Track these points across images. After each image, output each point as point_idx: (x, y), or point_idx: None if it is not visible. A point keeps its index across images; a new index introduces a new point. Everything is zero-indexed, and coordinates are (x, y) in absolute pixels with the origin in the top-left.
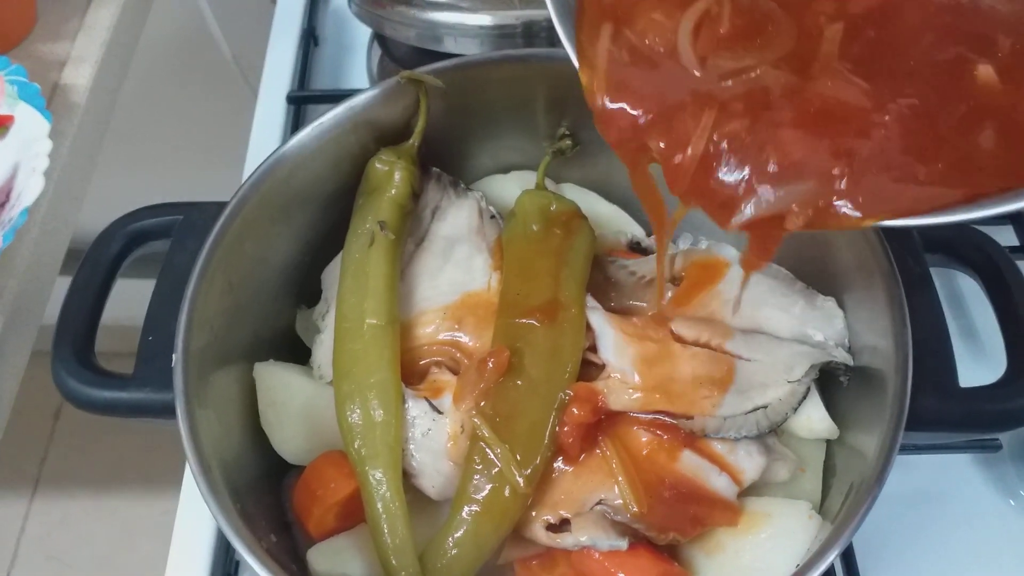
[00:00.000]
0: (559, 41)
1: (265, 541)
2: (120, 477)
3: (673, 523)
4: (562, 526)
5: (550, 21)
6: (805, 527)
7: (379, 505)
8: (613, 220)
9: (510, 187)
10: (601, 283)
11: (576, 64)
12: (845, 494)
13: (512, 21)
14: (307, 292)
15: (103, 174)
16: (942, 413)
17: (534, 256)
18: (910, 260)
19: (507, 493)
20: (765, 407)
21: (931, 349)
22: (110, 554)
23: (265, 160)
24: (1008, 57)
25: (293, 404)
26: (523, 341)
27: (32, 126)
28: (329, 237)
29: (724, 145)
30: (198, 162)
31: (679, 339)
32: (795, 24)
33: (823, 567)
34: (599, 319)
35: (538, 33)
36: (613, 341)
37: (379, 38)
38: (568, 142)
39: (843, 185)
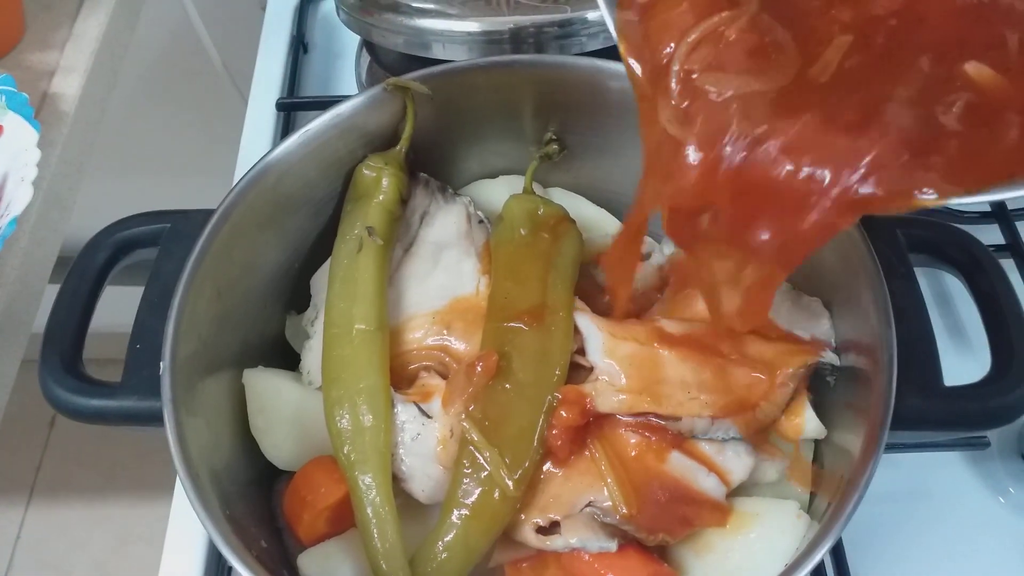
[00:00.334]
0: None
1: (255, 547)
2: (114, 484)
3: (662, 524)
4: (552, 528)
5: (538, 27)
6: (794, 526)
7: (369, 510)
8: (600, 223)
9: (498, 191)
10: (589, 286)
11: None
12: (832, 493)
13: (500, 27)
14: (296, 298)
15: (92, 183)
16: (927, 412)
17: (522, 260)
18: (895, 260)
19: (496, 496)
20: (754, 408)
21: (916, 349)
22: (105, 561)
23: (252, 167)
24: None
25: (283, 410)
26: (511, 345)
27: (20, 136)
28: (318, 243)
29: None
30: (188, 170)
31: (666, 340)
32: (799, 57)
33: (811, 565)
34: (586, 322)
35: (525, 39)
36: (601, 344)
37: (368, 45)
38: (555, 147)
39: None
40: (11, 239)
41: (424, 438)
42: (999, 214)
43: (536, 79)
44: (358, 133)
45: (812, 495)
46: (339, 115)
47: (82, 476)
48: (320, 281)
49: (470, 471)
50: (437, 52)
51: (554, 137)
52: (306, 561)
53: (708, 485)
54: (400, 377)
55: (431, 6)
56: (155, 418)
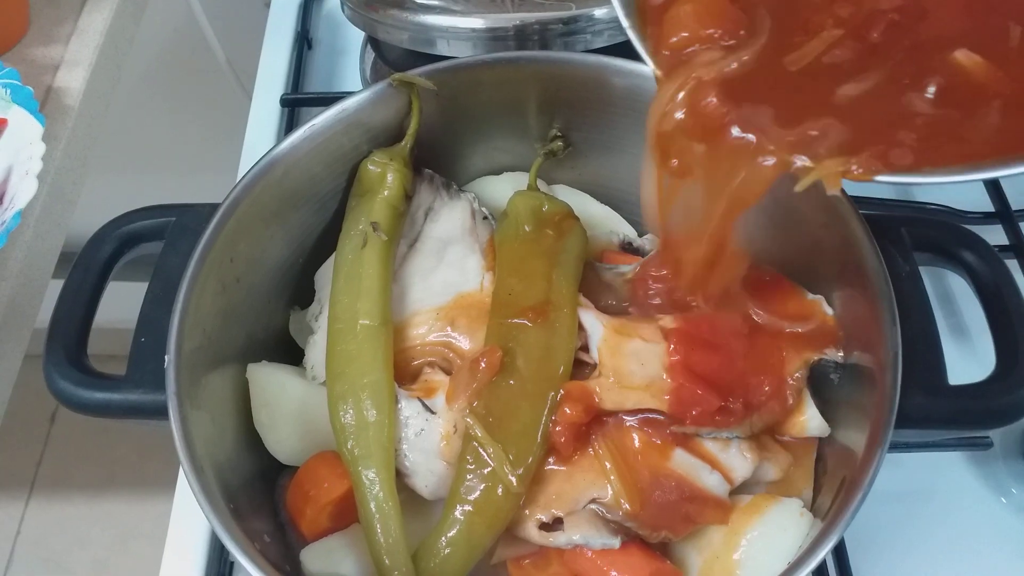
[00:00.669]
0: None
1: (258, 542)
2: (115, 480)
3: (665, 521)
4: (555, 525)
5: (542, 24)
6: (797, 525)
7: (372, 505)
8: (605, 221)
9: (502, 188)
10: (593, 283)
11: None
12: (836, 491)
13: (504, 24)
14: (300, 293)
15: (96, 177)
16: (931, 411)
17: (526, 257)
18: (899, 259)
19: (500, 492)
20: (759, 407)
21: (920, 347)
22: (105, 557)
23: (258, 162)
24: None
25: (286, 405)
26: (516, 341)
27: (25, 129)
28: (322, 238)
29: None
30: (192, 165)
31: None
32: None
33: (814, 564)
34: (591, 319)
35: (530, 36)
36: (605, 340)
37: (372, 41)
38: (560, 143)
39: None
40: (15, 232)
41: (428, 434)
42: (1003, 214)
43: (541, 76)
44: (363, 129)
45: (815, 493)
46: (344, 110)
47: (82, 472)
48: (324, 276)
49: (474, 467)
50: (442, 48)
51: (559, 134)
52: (309, 556)
53: (711, 483)
54: (404, 373)
55: (436, 2)
56: (159, 412)
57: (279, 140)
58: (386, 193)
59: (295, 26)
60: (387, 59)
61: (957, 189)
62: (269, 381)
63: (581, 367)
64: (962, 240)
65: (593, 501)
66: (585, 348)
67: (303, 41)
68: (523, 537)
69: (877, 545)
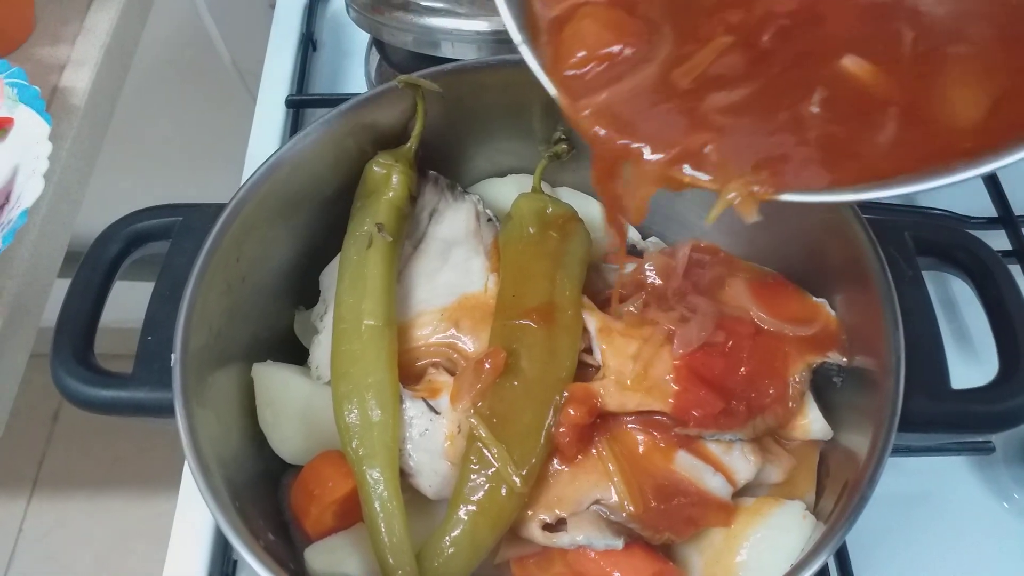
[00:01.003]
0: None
1: (263, 540)
2: (117, 479)
3: (668, 523)
4: (558, 525)
5: None
6: (799, 527)
7: (376, 504)
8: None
9: (506, 190)
10: (597, 285)
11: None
12: (838, 495)
13: None
14: (305, 293)
15: (101, 177)
16: (934, 414)
17: (530, 259)
18: (903, 263)
19: (504, 493)
20: (763, 411)
21: (923, 351)
22: (107, 555)
23: (264, 162)
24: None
25: (291, 404)
26: (519, 342)
27: (32, 128)
28: (327, 239)
29: None
30: (196, 166)
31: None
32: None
33: (816, 567)
34: (595, 321)
35: None
36: (609, 342)
37: (377, 43)
38: (564, 146)
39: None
40: (21, 231)
41: (432, 434)
42: (1006, 219)
43: None
44: (368, 130)
45: (817, 496)
46: (350, 111)
47: (85, 470)
48: (329, 277)
49: (477, 467)
50: (446, 51)
51: (563, 136)
52: (313, 554)
53: (714, 484)
54: (408, 373)
55: (441, 5)
56: (166, 409)
57: (284, 141)
58: (391, 194)
59: (300, 28)
60: (392, 61)
61: (959, 194)
62: (274, 380)
63: (585, 368)
64: (966, 244)
65: (597, 502)
66: (589, 350)
67: (308, 43)
68: (526, 537)
69: (879, 549)
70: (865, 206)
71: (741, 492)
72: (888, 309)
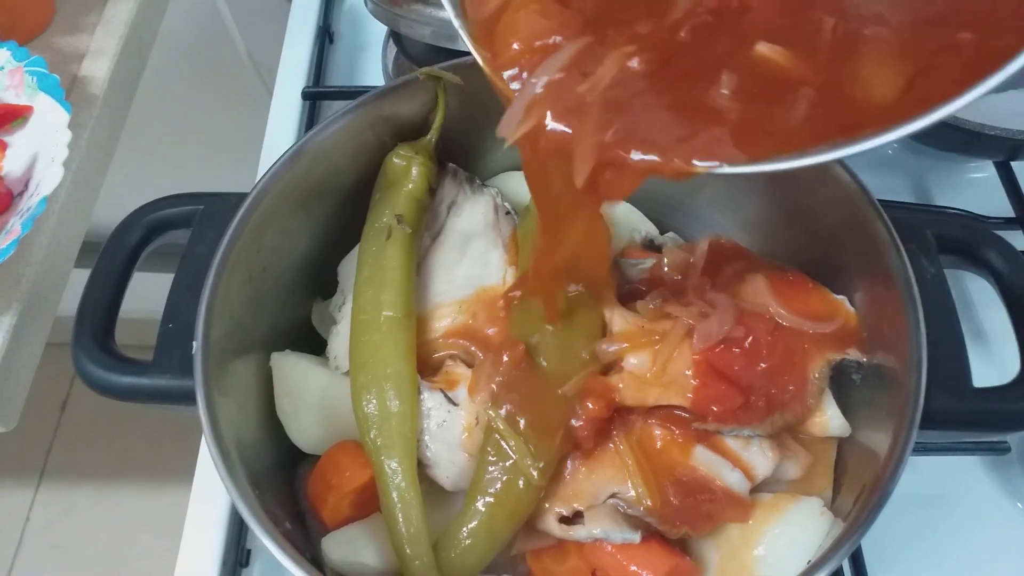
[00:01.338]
0: None
1: (281, 528)
2: (124, 470)
3: (685, 518)
4: (575, 519)
5: None
6: (817, 524)
7: (394, 495)
8: (627, 218)
9: (524, 184)
10: (616, 279)
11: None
12: (857, 492)
13: None
14: (323, 284)
15: (115, 168)
16: (955, 412)
17: None
18: (924, 261)
19: (521, 485)
20: (782, 408)
21: (945, 349)
22: (113, 544)
23: (285, 152)
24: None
25: (309, 394)
26: (538, 335)
27: (51, 117)
28: (346, 230)
29: None
30: (212, 157)
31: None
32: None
33: (836, 563)
34: (614, 315)
35: None
36: (628, 336)
37: (394, 36)
38: None
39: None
40: (40, 219)
41: (450, 425)
42: (1023, 219)
43: None
44: (388, 122)
45: (834, 493)
46: (370, 103)
47: (92, 460)
48: (348, 267)
49: (495, 459)
50: (464, 44)
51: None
52: (330, 544)
53: (732, 480)
54: (425, 365)
55: None
56: (186, 397)
57: (300, 133)
58: (410, 186)
59: (317, 20)
60: (409, 54)
61: (976, 194)
62: (293, 370)
63: (603, 362)
64: (988, 243)
65: (614, 496)
66: (608, 344)
67: (324, 35)
68: (543, 530)
69: (892, 547)
70: (884, 205)
71: (758, 488)
72: (910, 307)
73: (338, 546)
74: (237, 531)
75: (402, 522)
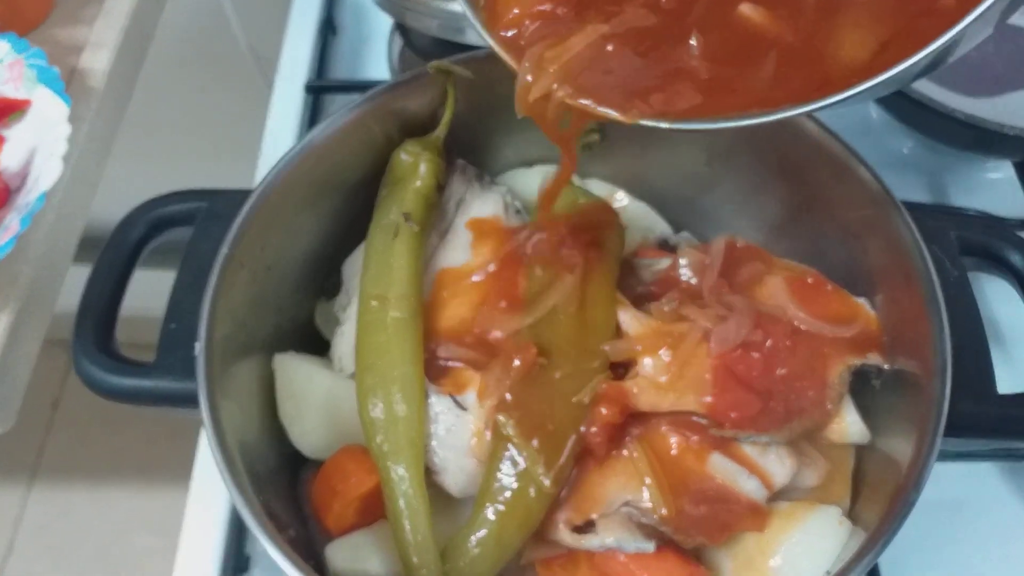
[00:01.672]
0: None
1: (285, 535)
2: (118, 470)
3: (701, 527)
4: (587, 527)
5: None
6: (835, 533)
7: (401, 502)
8: (640, 217)
9: (534, 181)
10: (629, 281)
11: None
12: (876, 500)
13: None
14: (326, 284)
15: (116, 162)
16: (980, 419)
17: None
18: (947, 263)
19: (532, 493)
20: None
21: (968, 353)
22: (107, 546)
23: (291, 149)
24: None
25: (313, 396)
26: (550, 338)
27: (50, 110)
28: (351, 228)
29: None
30: (212, 151)
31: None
32: None
33: (861, 572)
34: (628, 317)
35: None
36: (643, 339)
37: (400, 28)
38: (595, 136)
39: None
40: (39, 215)
41: (458, 430)
42: None
43: None
44: (395, 117)
45: (852, 502)
46: (378, 98)
47: (86, 460)
48: (353, 266)
49: (505, 466)
50: (471, 37)
51: (593, 127)
52: (334, 551)
53: (750, 487)
54: (432, 367)
55: None
56: (189, 400)
57: (302, 127)
58: (418, 183)
59: (319, 12)
60: (415, 47)
61: (994, 195)
62: (297, 372)
63: (617, 366)
64: (1012, 245)
65: (627, 504)
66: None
67: (328, 27)
68: (554, 539)
69: (909, 555)
70: (906, 206)
71: (775, 496)
72: (933, 310)
73: (343, 554)
74: (236, 536)
75: (409, 530)
